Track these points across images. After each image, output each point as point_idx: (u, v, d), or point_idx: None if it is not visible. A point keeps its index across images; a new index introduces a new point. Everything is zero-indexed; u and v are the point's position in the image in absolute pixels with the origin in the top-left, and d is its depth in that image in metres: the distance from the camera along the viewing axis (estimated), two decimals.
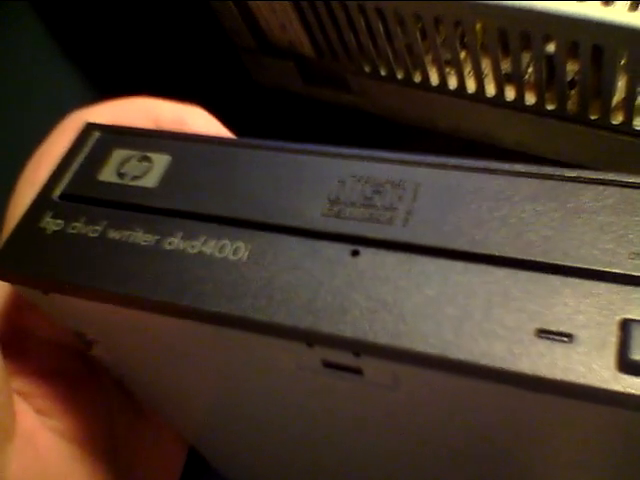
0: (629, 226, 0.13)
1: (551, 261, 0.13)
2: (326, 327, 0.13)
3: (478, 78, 0.34)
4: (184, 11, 0.44)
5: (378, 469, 0.20)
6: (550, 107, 0.32)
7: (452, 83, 0.35)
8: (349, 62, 0.38)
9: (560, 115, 0.32)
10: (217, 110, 0.45)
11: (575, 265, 0.13)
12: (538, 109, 0.33)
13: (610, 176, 0.14)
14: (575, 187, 0.14)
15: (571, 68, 0.31)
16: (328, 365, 0.14)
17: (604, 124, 0.31)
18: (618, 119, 0.31)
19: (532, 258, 0.13)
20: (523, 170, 0.14)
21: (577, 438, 0.14)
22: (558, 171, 0.14)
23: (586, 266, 0.13)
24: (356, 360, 0.14)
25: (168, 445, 0.24)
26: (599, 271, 0.13)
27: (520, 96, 0.33)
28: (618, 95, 0.31)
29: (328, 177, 0.15)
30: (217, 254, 0.15)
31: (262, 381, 0.17)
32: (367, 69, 0.37)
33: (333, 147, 0.16)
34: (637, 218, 0.13)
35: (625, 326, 0.12)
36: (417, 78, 0.36)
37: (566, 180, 0.14)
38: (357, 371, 0.14)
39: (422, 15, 0.32)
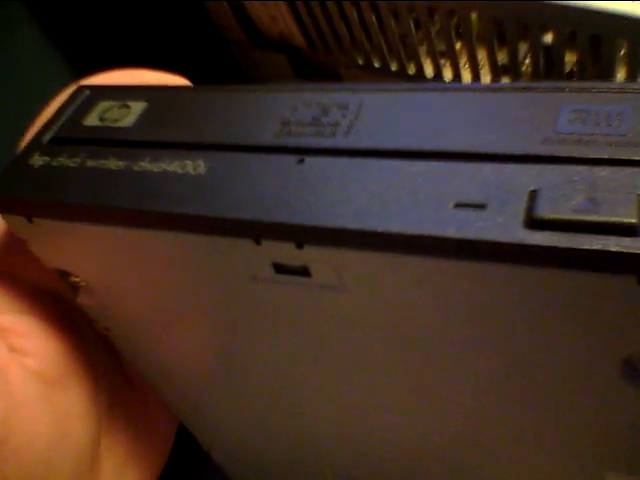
0: (544, 118, 0.14)
1: (471, 150, 0.14)
2: (268, 217, 0.15)
3: (474, 70, 0.33)
4: (173, 4, 0.43)
5: (359, 408, 0.21)
6: None
7: (447, 75, 0.34)
8: (342, 54, 0.37)
9: None
10: None
11: (492, 151, 0.14)
12: None
13: (532, 85, 0.15)
14: (498, 95, 0.16)
15: (569, 59, 0.30)
16: (279, 269, 0.16)
17: None
18: None
19: (453, 149, 0.15)
20: (455, 87, 0.16)
21: (505, 317, 0.15)
22: (483, 85, 0.17)
23: (502, 151, 0.14)
24: (300, 254, 0.15)
25: (157, 414, 0.24)
26: (514, 155, 0.14)
27: None
28: None
29: (282, 105, 0.17)
30: (179, 171, 0.16)
31: (229, 311, 0.19)
32: (360, 61, 0.37)
33: (291, 83, 0.18)
34: (552, 113, 0.14)
35: (533, 194, 0.13)
36: (411, 70, 0.35)
37: (490, 90, 0.16)
38: (305, 272, 0.16)
39: (415, 5, 0.31)
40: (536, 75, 0.31)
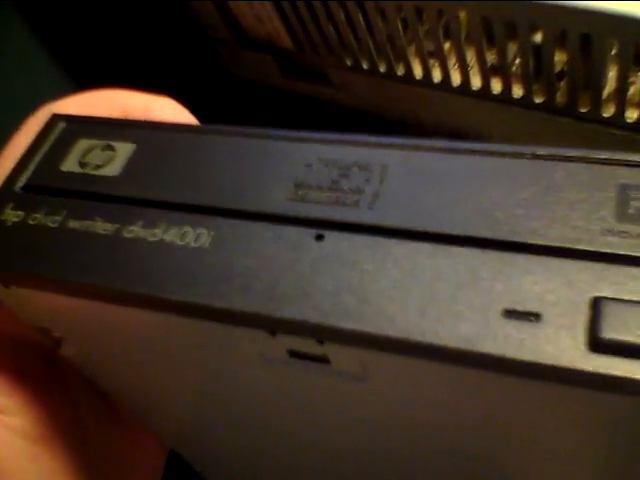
0: (600, 202, 0.12)
1: (520, 240, 0.12)
2: (287, 313, 0.13)
3: (463, 70, 0.32)
4: (158, 5, 0.42)
5: (360, 468, 0.20)
6: (538, 100, 0.31)
7: (436, 76, 0.34)
8: (329, 55, 0.37)
9: (549, 108, 0.31)
10: (195, 105, 0.44)
11: (544, 243, 0.12)
12: (526, 102, 0.31)
13: (581, 153, 0.13)
14: (546, 165, 0.13)
15: (560, 58, 0.30)
16: (294, 355, 0.14)
17: (595, 117, 0.30)
18: (609, 111, 0.30)
19: (500, 237, 0.13)
20: (494, 149, 0.14)
21: (554, 426, 0.13)
22: (529, 149, 0.14)
23: (556, 244, 0.12)
24: (321, 348, 0.13)
25: (146, 446, 0.23)
26: (569, 249, 0.12)
27: (507, 88, 0.32)
28: (609, 86, 0.30)
29: (295, 161, 0.15)
30: (178, 242, 0.14)
31: (231, 376, 0.17)
32: (348, 62, 0.36)
33: (300, 132, 0.16)
34: (608, 194, 0.12)
35: (595, 304, 0.11)
36: (400, 71, 0.35)
37: (537, 158, 0.14)
38: (323, 360, 0.14)
39: (403, 5, 0.30)
40: (526, 75, 0.30)
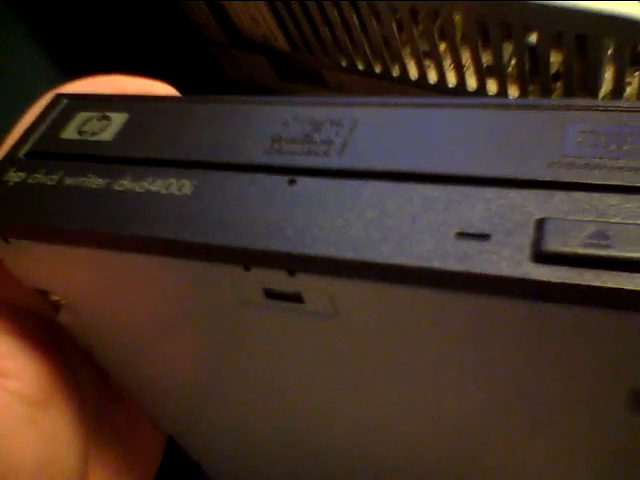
0: (549, 140, 0.14)
1: (470, 174, 0.14)
2: (260, 245, 0.14)
3: (459, 71, 0.32)
4: (153, 7, 0.42)
5: (352, 438, 0.21)
6: None
7: (432, 77, 0.34)
8: (325, 56, 0.36)
9: None
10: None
11: (494, 175, 0.13)
12: None
13: (534, 101, 0.15)
14: (499, 113, 0.15)
15: (555, 59, 0.29)
16: (270, 295, 0.15)
17: None
18: None
19: (454, 173, 0.14)
20: (454, 102, 0.15)
21: (506, 348, 0.14)
22: (483, 100, 0.16)
23: (505, 176, 0.13)
24: (293, 282, 0.14)
25: (145, 429, 0.24)
26: (517, 179, 0.13)
27: (503, 89, 0.31)
28: (605, 87, 0.29)
29: (272, 120, 0.16)
30: (163, 191, 0.16)
31: (215, 331, 0.18)
32: (343, 63, 0.36)
33: (281, 97, 0.17)
34: (556, 134, 0.14)
35: (541, 223, 0.12)
36: (395, 72, 0.35)
37: (491, 107, 0.15)
38: (297, 298, 0.15)
39: (397, 6, 0.30)
40: (521, 76, 0.30)
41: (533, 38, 0.29)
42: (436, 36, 0.31)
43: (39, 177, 0.17)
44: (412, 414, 0.18)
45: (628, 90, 0.29)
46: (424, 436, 0.19)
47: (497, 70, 0.31)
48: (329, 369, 0.18)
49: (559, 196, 0.13)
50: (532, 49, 0.29)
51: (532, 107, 0.14)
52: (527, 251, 0.12)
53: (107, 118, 0.18)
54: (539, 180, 0.13)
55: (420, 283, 0.13)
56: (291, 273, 0.14)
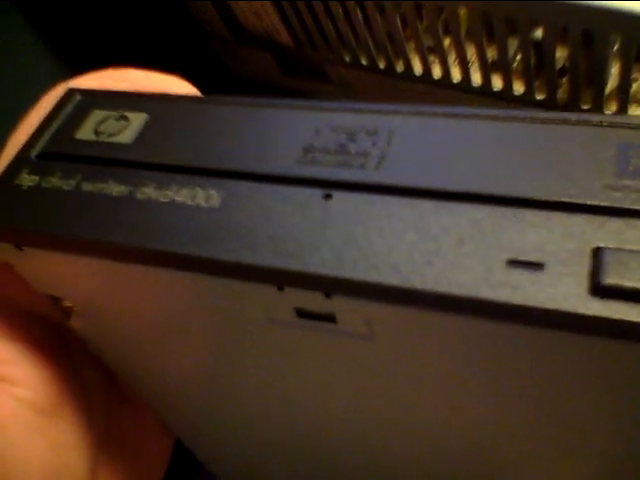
0: (601, 160, 0.13)
1: (522, 195, 0.13)
2: (295, 266, 0.13)
3: (463, 67, 0.32)
4: (156, 2, 0.42)
5: (368, 448, 0.20)
6: (539, 96, 0.31)
7: (436, 72, 0.33)
8: (328, 51, 0.36)
9: (550, 105, 0.31)
10: None
11: (546, 198, 0.13)
12: (527, 99, 0.31)
13: (583, 117, 0.14)
14: (548, 128, 0.14)
15: (561, 55, 0.29)
16: (302, 314, 0.14)
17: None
18: (612, 108, 0.29)
19: (502, 193, 0.13)
20: (499, 114, 0.14)
21: (560, 381, 0.14)
22: (531, 113, 0.14)
23: (558, 199, 0.13)
24: (328, 303, 0.13)
25: (153, 430, 0.23)
26: (571, 203, 0.12)
27: (508, 85, 0.31)
28: (612, 83, 0.29)
29: (303, 127, 0.15)
30: (189, 202, 0.15)
31: (237, 345, 0.17)
32: (347, 59, 0.36)
33: (310, 101, 0.16)
34: (609, 153, 0.13)
35: (597, 253, 0.12)
36: (400, 67, 0.34)
37: (539, 122, 0.14)
38: (330, 318, 0.14)
39: (402, 1, 0.30)
40: (527, 71, 0.30)
41: (539, 33, 0.29)
42: (441, 31, 0.31)
43: (54, 181, 0.16)
44: (435, 433, 0.18)
45: (634, 86, 0.29)
46: (443, 453, 0.19)
47: (502, 65, 0.30)
48: (354, 385, 0.17)
49: (616, 223, 0.12)
50: (537, 44, 0.29)
51: (581, 122, 0.14)
52: (584, 284, 0.11)
53: (125, 118, 0.17)
54: (594, 205, 0.12)
55: (468, 313, 0.12)
56: (327, 295, 0.13)
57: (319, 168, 0.14)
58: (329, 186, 0.14)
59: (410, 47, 0.33)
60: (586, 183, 0.13)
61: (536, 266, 0.12)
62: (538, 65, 0.30)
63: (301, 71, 0.39)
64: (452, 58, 0.32)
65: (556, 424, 0.15)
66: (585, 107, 0.30)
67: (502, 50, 0.29)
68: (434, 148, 0.14)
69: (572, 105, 0.30)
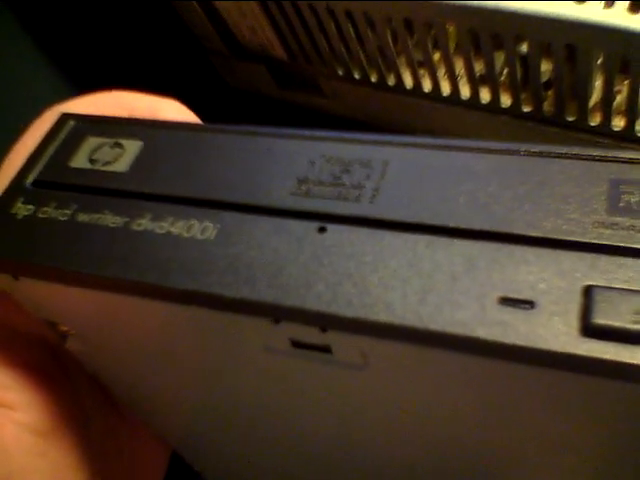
0: (592, 196, 0.13)
1: (514, 231, 0.13)
2: (291, 301, 0.13)
3: (452, 80, 0.33)
4: (152, 17, 0.43)
5: (360, 465, 0.20)
6: (526, 109, 0.31)
7: (426, 86, 0.34)
8: (322, 65, 0.37)
9: (536, 117, 0.31)
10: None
11: (538, 235, 0.13)
12: (514, 111, 0.32)
13: (575, 150, 0.14)
14: (539, 161, 0.14)
15: (547, 68, 0.30)
16: (297, 345, 0.15)
17: (582, 126, 0.30)
18: (596, 120, 0.30)
19: (496, 229, 0.13)
20: (490, 147, 0.15)
21: (550, 415, 0.14)
22: (524, 146, 0.14)
23: (549, 235, 0.13)
24: (324, 336, 0.14)
25: (150, 443, 0.23)
26: (562, 240, 0.13)
27: (495, 98, 0.32)
28: (595, 96, 0.30)
29: (298, 158, 0.15)
30: (185, 234, 0.15)
31: (233, 370, 0.17)
32: (340, 72, 0.37)
33: (304, 130, 0.16)
34: (600, 189, 0.13)
35: (588, 292, 0.12)
36: (391, 81, 0.35)
37: (530, 155, 0.14)
38: (326, 349, 0.14)
39: (392, 17, 0.31)
40: (513, 85, 0.31)
41: (524, 47, 0.29)
42: (430, 46, 0.32)
43: (50, 211, 0.16)
44: (427, 459, 0.18)
45: (617, 99, 0.29)
46: (434, 475, 0.19)
47: (490, 79, 0.31)
48: (348, 410, 0.17)
49: (606, 261, 0.12)
50: (523, 58, 0.30)
51: (573, 157, 0.14)
52: (575, 324, 0.11)
53: (120, 146, 0.17)
54: (585, 242, 0.12)
55: (461, 350, 0.12)
56: (323, 330, 0.13)
57: (314, 200, 0.15)
58: (324, 219, 0.14)
59: (401, 61, 0.34)
60: (577, 219, 0.13)
61: (528, 304, 0.12)
62: (524, 78, 0.30)
63: (295, 84, 0.40)
64: (441, 72, 0.33)
65: (546, 451, 0.15)
66: (570, 119, 0.30)
67: (489, 64, 0.30)
68: (427, 181, 0.14)
69: (557, 117, 0.30)
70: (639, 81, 0.27)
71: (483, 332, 0.12)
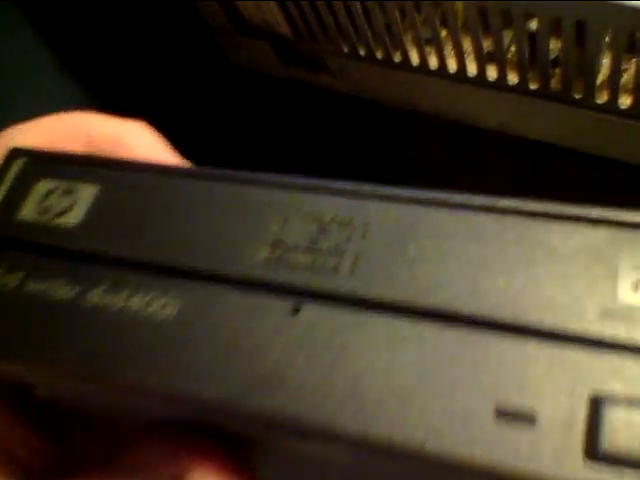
0: (600, 276, 0.12)
1: (509, 322, 0.11)
2: (262, 406, 0.12)
3: (459, 57, 0.33)
4: None
5: None
6: (533, 86, 0.31)
7: (433, 63, 0.34)
8: (327, 42, 0.37)
9: (543, 94, 0.31)
10: (194, 93, 0.44)
11: (536, 327, 0.11)
12: (521, 88, 0.32)
13: (578, 211, 0.12)
14: (541, 225, 0.12)
15: (555, 46, 0.30)
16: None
17: (588, 103, 0.30)
18: (603, 98, 0.30)
19: (492, 316, 0.12)
20: (486, 204, 0.13)
21: None
22: (522, 204, 0.13)
23: (550, 328, 0.11)
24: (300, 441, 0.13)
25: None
26: (564, 334, 0.11)
27: (502, 75, 0.32)
28: (603, 73, 0.30)
29: (271, 214, 0.14)
30: (142, 312, 0.13)
31: None
32: (346, 49, 0.36)
33: (277, 176, 0.15)
34: (606, 266, 0.12)
35: (595, 404, 0.10)
36: (397, 58, 0.35)
37: (531, 215, 0.13)
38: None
39: None
40: (521, 62, 0.31)
41: (533, 25, 0.29)
42: (438, 23, 0.32)
43: None
44: None
45: (625, 77, 0.30)
46: None
47: (497, 56, 0.31)
48: None
49: (617, 361, 0.11)
50: (532, 35, 0.30)
51: (574, 219, 0.12)
52: (579, 446, 0.10)
53: (73, 191, 0.15)
54: (591, 337, 0.11)
55: (447, 471, 0.11)
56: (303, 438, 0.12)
57: (287, 272, 0.13)
58: (298, 295, 0.13)
59: (407, 38, 0.34)
60: (582, 306, 0.11)
61: (527, 419, 0.11)
62: (532, 56, 0.30)
63: (300, 61, 0.40)
64: (449, 49, 0.33)
65: None
66: (577, 96, 0.30)
67: (497, 42, 0.30)
68: (415, 248, 0.13)
69: (564, 94, 0.30)
70: None
71: (479, 456, 0.10)
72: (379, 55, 0.35)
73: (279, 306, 0.13)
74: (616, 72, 0.28)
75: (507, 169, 0.39)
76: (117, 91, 0.41)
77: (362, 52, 0.36)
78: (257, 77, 0.43)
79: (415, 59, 0.34)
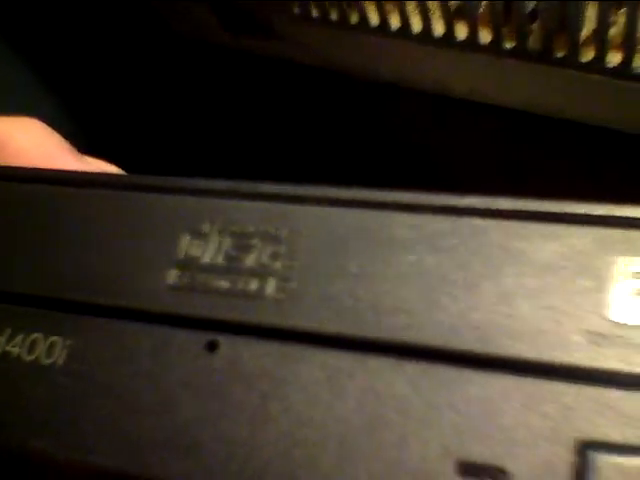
0: (585, 290, 0.10)
1: (477, 352, 0.10)
2: (158, 471, 0.10)
3: (424, 15, 0.29)
4: None
5: None
6: (508, 45, 0.28)
7: (394, 22, 0.31)
8: (273, 2, 0.33)
9: (520, 54, 0.28)
10: (135, 64, 0.41)
11: (510, 357, 0.10)
12: (494, 48, 0.29)
13: (557, 208, 0.10)
14: (512, 227, 0.11)
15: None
16: None
17: (572, 62, 0.27)
18: (588, 56, 0.27)
19: (452, 346, 0.10)
20: (444, 204, 0.11)
21: None
22: (488, 203, 0.11)
23: (527, 357, 0.10)
24: None
25: None
26: (544, 365, 0.09)
27: (473, 34, 0.29)
28: (587, 27, 0.27)
29: (181, 227, 0.12)
30: (25, 357, 0.11)
31: None
32: (295, 9, 0.33)
33: (189, 180, 0.12)
34: (593, 276, 0.10)
35: (582, 451, 0.09)
36: (354, 19, 0.32)
37: (501, 217, 0.11)
38: None
39: None
40: (495, 17, 0.27)
41: None
42: None
43: None
44: None
45: (612, 31, 0.26)
46: None
47: (467, 12, 0.28)
48: None
49: (605, 394, 0.09)
50: None
51: (563, 220, 0.10)
52: None
53: None
54: (576, 366, 0.09)
55: None
56: None
57: (201, 299, 0.11)
58: (214, 329, 0.11)
59: None
60: (566, 328, 0.10)
61: (497, 477, 0.09)
62: (506, 10, 0.27)
63: (245, 27, 0.36)
64: (411, 6, 0.30)
65: None
66: (559, 55, 0.27)
67: None
68: (355, 262, 0.11)
69: (545, 53, 0.27)
70: (638, 9, 0.24)
71: None
72: (333, 15, 0.32)
73: (192, 341, 0.11)
74: (602, 26, 0.25)
75: (492, 140, 0.36)
76: (60, 68, 0.38)
77: (314, 13, 0.32)
78: (199, 46, 0.39)
79: (374, 18, 0.31)
